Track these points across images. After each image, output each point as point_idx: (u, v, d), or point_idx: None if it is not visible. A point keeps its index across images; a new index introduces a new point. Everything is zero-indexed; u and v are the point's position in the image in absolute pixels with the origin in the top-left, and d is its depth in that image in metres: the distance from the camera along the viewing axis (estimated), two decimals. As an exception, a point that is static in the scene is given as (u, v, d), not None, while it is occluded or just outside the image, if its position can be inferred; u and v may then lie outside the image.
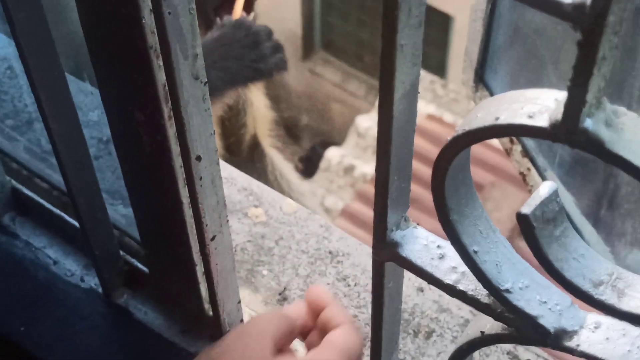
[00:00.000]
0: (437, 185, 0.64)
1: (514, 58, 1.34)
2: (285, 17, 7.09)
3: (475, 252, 0.66)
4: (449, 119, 5.39)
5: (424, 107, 5.48)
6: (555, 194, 0.61)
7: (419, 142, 4.61)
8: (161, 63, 0.76)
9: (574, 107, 0.52)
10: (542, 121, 0.55)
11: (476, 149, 4.62)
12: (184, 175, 0.86)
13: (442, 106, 5.62)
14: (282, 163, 2.25)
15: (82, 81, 1.26)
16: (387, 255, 0.72)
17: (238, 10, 1.85)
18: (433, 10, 5.57)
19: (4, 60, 1.29)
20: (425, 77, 5.72)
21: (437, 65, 6.33)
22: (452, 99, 5.68)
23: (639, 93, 2.12)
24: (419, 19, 0.57)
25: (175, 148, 0.85)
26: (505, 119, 0.57)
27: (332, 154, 5.77)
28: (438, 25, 6.12)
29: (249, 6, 1.86)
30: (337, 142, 6.44)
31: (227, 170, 1.25)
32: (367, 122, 5.68)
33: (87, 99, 1.23)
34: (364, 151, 5.66)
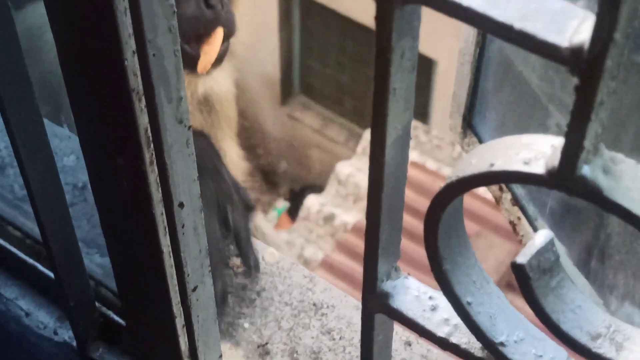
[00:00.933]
0: (430, 234, 0.62)
1: (503, 103, 1.34)
2: (264, 60, 7.11)
3: (469, 303, 0.64)
4: (432, 166, 5.38)
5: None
6: (551, 243, 0.59)
7: (399, 189, 4.58)
8: (143, 106, 0.74)
9: (571, 153, 0.51)
10: (539, 168, 0.53)
11: (456, 196, 4.61)
12: (165, 223, 0.84)
13: (425, 153, 5.62)
14: (256, 215, 2.20)
15: (58, 125, 1.24)
16: (377, 307, 0.70)
17: (215, 48, 1.79)
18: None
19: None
20: (406, 123, 5.72)
21: (420, 110, 6.34)
22: (436, 146, 5.69)
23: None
24: (412, 62, 0.56)
25: (156, 194, 0.82)
26: (500, 165, 0.55)
27: (311, 202, 5.74)
28: (421, 69, 6.15)
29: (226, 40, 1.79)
30: (317, 189, 6.42)
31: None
32: (348, 169, 5.67)
33: (62, 144, 1.21)
34: (344, 199, 5.64)
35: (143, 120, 0.76)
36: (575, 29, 0.48)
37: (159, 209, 0.84)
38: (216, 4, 1.70)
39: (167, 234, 0.84)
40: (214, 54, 1.70)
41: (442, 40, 5.11)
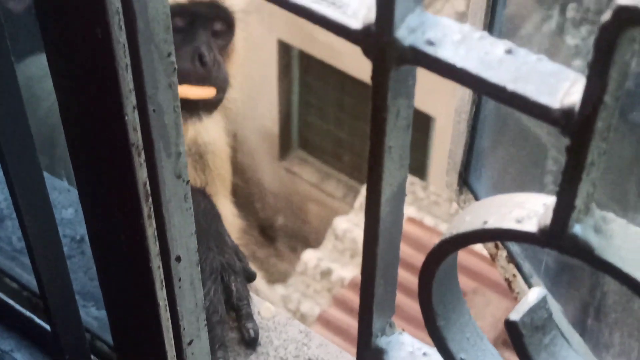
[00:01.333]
0: (424, 290, 0.62)
1: (499, 161, 1.35)
2: (263, 115, 7.15)
3: (463, 359, 0.65)
4: (429, 222, 5.38)
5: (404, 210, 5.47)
6: (544, 301, 0.60)
7: (396, 245, 4.58)
8: (143, 160, 0.76)
9: (563, 212, 0.52)
10: (531, 226, 0.54)
11: (459, 254, 4.60)
12: (162, 277, 0.84)
13: (422, 209, 5.63)
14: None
15: (57, 178, 1.25)
16: (370, 362, 0.70)
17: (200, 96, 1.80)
18: (417, 111, 5.66)
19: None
20: (403, 179, 5.73)
21: (418, 166, 6.37)
22: (433, 202, 5.70)
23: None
24: (407, 121, 0.57)
25: (154, 248, 0.83)
26: (493, 223, 0.56)
27: (308, 257, 5.73)
28: (418, 126, 6.19)
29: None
30: (314, 244, 6.41)
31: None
32: (346, 224, 5.67)
33: (61, 196, 1.22)
34: (341, 254, 5.63)
35: (142, 174, 0.77)
36: (567, 90, 0.49)
37: (156, 263, 0.84)
38: (210, 62, 1.72)
39: (164, 287, 0.85)
40: (194, 93, 1.72)
41: (440, 98, 5.15)
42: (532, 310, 0.59)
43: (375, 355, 0.69)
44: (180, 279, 0.81)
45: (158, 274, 0.85)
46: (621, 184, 1.60)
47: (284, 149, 7.60)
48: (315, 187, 7.34)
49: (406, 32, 0.51)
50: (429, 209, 5.53)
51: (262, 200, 7.60)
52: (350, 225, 5.61)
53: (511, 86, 0.50)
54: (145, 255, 0.84)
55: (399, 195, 0.61)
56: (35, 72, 1.76)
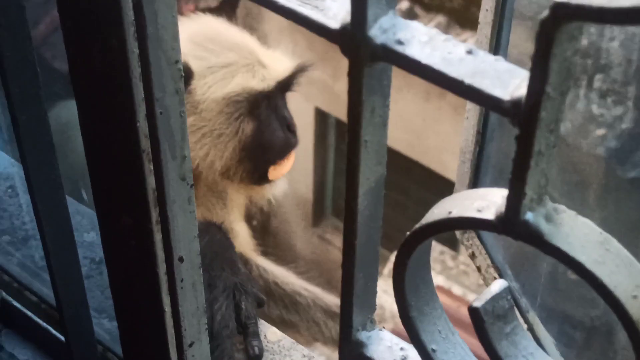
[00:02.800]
0: (397, 280, 0.67)
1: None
2: (298, 181, 7.23)
3: (434, 350, 0.69)
4: (457, 292, 5.38)
5: (433, 278, 5.49)
6: (506, 292, 0.64)
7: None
8: (152, 167, 0.82)
9: (515, 199, 0.57)
10: (489, 215, 0.59)
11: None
12: (168, 283, 0.90)
13: (451, 278, 5.63)
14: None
15: (82, 203, 1.33)
16: (352, 355, 0.74)
17: (290, 164, 1.94)
18: (439, 177, 5.70)
19: (7, 179, 1.36)
20: (435, 247, 5.76)
21: (448, 237, 6.38)
22: (462, 271, 5.70)
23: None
24: (383, 119, 0.63)
25: (160, 254, 0.89)
26: (456, 212, 0.61)
27: (336, 321, 5.72)
28: (444, 192, 6.22)
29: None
30: (343, 309, 6.40)
31: (216, 296, 1.29)
32: (373, 290, 5.67)
33: (84, 220, 1.29)
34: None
35: (151, 181, 0.83)
36: (518, 85, 0.55)
37: (162, 269, 0.90)
38: (294, 128, 1.88)
39: (169, 294, 0.90)
40: (287, 168, 1.87)
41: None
42: (494, 299, 0.64)
43: (356, 349, 0.74)
44: (182, 280, 0.86)
45: (164, 280, 0.91)
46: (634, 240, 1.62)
47: (317, 216, 7.66)
48: (346, 254, 7.35)
49: (379, 32, 0.57)
50: (457, 278, 5.53)
51: (295, 266, 7.63)
52: (378, 291, 5.61)
53: (468, 80, 0.55)
54: (152, 260, 0.89)
55: (377, 191, 0.66)
56: (66, 117, 1.86)
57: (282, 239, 7.49)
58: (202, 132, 1.82)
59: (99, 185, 0.90)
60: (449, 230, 0.62)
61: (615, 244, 0.58)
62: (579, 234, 0.57)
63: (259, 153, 1.87)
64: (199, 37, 1.88)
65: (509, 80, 0.55)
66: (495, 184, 1.36)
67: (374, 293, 0.74)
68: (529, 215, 0.57)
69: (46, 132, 0.99)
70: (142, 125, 0.79)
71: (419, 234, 0.63)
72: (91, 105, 0.82)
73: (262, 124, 1.87)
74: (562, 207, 0.59)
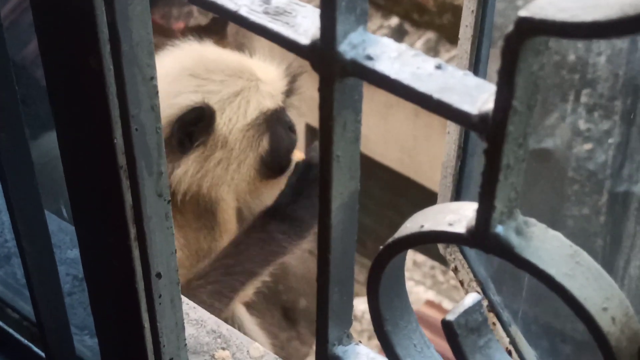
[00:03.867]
0: (372, 294, 0.67)
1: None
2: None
3: (409, 365, 0.69)
4: (448, 306, 5.37)
5: (423, 293, 5.49)
6: (479, 305, 0.65)
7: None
8: (129, 184, 0.82)
9: (485, 213, 0.57)
10: (460, 228, 0.60)
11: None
12: (147, 299, 0.90)
13: (441, 293, 5.62)
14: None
15: (64, 220, 1.32)
16: (328, 371, 0.74)
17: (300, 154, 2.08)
18: (430, 192, 5.71)
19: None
20: (426, 262, 5.77)
21: (438, 251, 6.38)
22: (453, 286, 5.70)
23: (622, 272, 2.16)
24: (355, 134, 0.63)
25: (139, 270, 0.89)
26: (429, 226, 0.61)
27: (328, 337, 5.70)
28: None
29: None
30: (334, 326, 6.38)
31: (198, 313, 1.28)
32: (364, 306, 5.67)
33: (67, 237, 1.29)
34: (359, 335, 5.62)
35: (128, 197, 0.83)
36: (486, 99, 0.55)
37: (141, 285, 0.90)
38: (295, 128, 2.07)
39: (147, 311, 0.90)
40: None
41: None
42: (467, 312, 0.64)
43: (332, 363, 0.74)
44: (160, 296, 0.86)
45: (143, 296, 0.91)
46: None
47: (309, 232, 7.66)
48: (338, 270, 7.34)
49: (348, 48, 0.58)
50: (448, 293, 5.53)
51: (285, 282, 7.62)
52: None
53: (437, 95, 0.56)
54: (131, 277, 0.89)
55: (351, 206, 0.67)
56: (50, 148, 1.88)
57: (273, 256, 7.46)
58: (229, 161, 1.91)
59: (77, 201, 0.90)
60: (422, 244, 0.62)
61: (585, 256, 0.58)
62: (549, 247, 0.58)
63: (273, 159, 2.01)
64: (198, 69, 1.93)
65: (477, 95, 0.55)
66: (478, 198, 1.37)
67: (350, 307, 0.74)
68: (499, 229, 0.58)
69: (25, 150, 0.99)
70: (119, 141, 0.80)
71: (392, 248, 0.64)
72: (68, 122, 0.82)
73: (273, 134, 2.01)
74: (532, 221, 0.59)
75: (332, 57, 0.58)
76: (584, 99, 2.84)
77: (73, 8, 0.73)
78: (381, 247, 0.64)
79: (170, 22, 5.21)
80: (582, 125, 2.87)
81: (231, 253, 1.93)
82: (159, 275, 0.85)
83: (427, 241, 0.62)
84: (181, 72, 1.91)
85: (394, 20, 5.38)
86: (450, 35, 5.37)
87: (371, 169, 7.08)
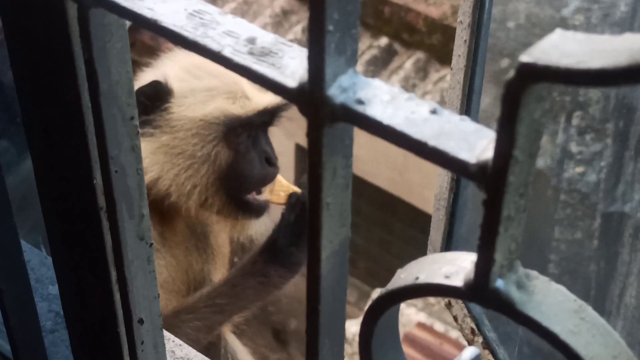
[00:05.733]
0: (364, 348, 0.64)
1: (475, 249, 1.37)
2: (278, 217, 7.18)
3: (403, 420, 0.66)
4: (439, 328, 5.33)
5: (414, 315, 5.45)
6: (477, 359, 0.61)
7: (408, 352, 4.56)
8: (109, 225, 0.78)
9: (484, 266, 0.54)
10: (458, 281, 0.56)
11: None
12: (128, 344, 0.86)
13: (432, 314, 5.58)
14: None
15: (45, 256, 1.29)
16: None
17: (286, 188, 1.96)
18: (422, 213, 5.68)
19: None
20: (416, 285, 5.72)
21: (428, 274, 6.34)
22: (443, 308, 5.66)
23: (618, 300, 2.13)
24: (346, 180, 0.60)
25: (120, 314, 0.85)
26: (424, 279, 0.58)
27: (318, 360, 5.66)
28: (426, 228, 6.19)
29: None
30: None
31: (184, 350, 1.24)
32: (355, 328, 5.63)
33: (50, 272, 1.25)
34: (350, 358, 5.57)
35: (109, 239, 0.80)
36: (485, 147, 0.52)
37: (122, 329, 0.86)
38: (275, 161, 1.87)
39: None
40: (286, 193, 1.89)
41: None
42: (465, 368, 0.60)
43: (323, 417, 0.70)
44: (142, 342, 0.83)
45: (125, 341, 0.87)
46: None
47: (300, 252, 7.61)
48: (329, 291, 7.29)
49: (338, 91, 0.55)
50: (439, 315, 5.49)
51: (276, 303, 7.57)
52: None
53: (432, 142, 0.52)
54: (113, 321, 0.86)
55: (342, 253, 0.63)
56: None
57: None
58: (175, 152, 1.80)
59: (57, 242, 0.86)
60: (417, 297, 0.59)
61: (590, 311, 0.55)
62: (553, 302, 0.54)
63: (234, 183, 1.87)
64: (187, 63, 1.87)
65: (475, 142, 0.52)
66: (472, 232, 1.34)
67: (340, 358, 0.70)
68: (499, 283, 0.54)
69: (0, 183, 0.95)
70: (99, 182, 0.76)
71: (385, 300, 0.60)
72: (47, 161, 0.79)
73: (239, 155, 1.86)
74: (534, 273, 0.56)
75: (321, 101, 0.54)
76: (575, 121, 2.82)
77: (50, 40, 0.70)
78: (373, 299, 0.61)
79: (159, 42, 5.18)
80: (574, 147, 2.85)
81: (226, 294, 1.87)
82: (141, 322, 0.81)
83: (422, 294, 0.58)
84: (174, 64, 1.87)
85: (384, 40, 5.36)
86: (440, 55, 5.35)
87: (362, 188, 7.05)
